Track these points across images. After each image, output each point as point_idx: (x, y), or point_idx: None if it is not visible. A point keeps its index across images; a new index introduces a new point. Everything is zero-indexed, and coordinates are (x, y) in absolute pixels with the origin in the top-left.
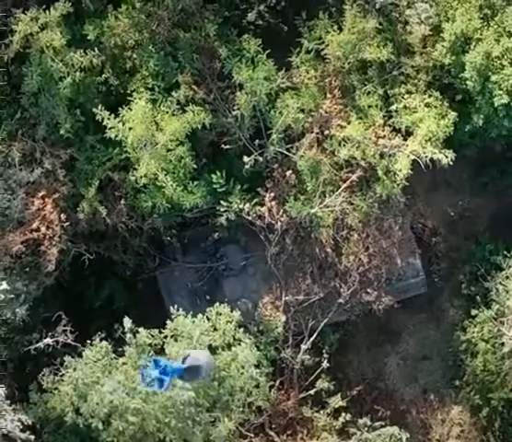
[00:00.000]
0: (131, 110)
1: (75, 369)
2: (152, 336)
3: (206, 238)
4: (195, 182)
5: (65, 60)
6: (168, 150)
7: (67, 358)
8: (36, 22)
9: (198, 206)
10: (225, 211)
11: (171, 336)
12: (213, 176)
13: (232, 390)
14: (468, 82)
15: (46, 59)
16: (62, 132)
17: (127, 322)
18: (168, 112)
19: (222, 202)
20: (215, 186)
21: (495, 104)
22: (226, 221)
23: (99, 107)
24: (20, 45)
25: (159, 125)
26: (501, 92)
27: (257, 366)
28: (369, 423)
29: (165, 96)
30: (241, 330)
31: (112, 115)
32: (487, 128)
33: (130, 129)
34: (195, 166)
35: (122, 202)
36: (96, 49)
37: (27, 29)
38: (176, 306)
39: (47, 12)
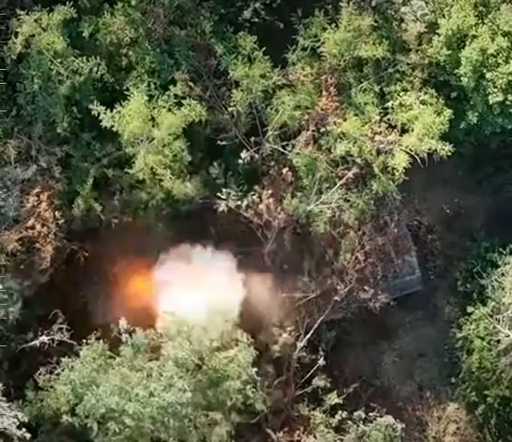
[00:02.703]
0: (128, 105)
1: (71, 368)
2: (148, 336)
3: (202, 235)
4: (191, 177)
5: (65, 63)
6: (165, 145)
7: (64, 359)
8: (39, 24)
9: (194, 200)
10: (223, 199)
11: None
12: (210, 168)
13: (230, 390)
14: (463, 78)
15: (45, 61)
16: (59, 130)
17: (123, 322)
18: (164, 107)
19: (223, 190)
20: (212, 177)
21: (490, 101)
22: (227, 207)
23: (95, 102)
24: (22, 46)
25: (156, 120)
26: (496, 90)
27: (254, 365)
28: (364, 415)
29: (161, 92)
30: (239, 331)
31: (108, 110)
32: (482, 125)
33: (126, 124)
34: (190, 159)
35: (117, 197)
36: (92, 47)
37: (30, 30)
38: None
39: (50, 15)
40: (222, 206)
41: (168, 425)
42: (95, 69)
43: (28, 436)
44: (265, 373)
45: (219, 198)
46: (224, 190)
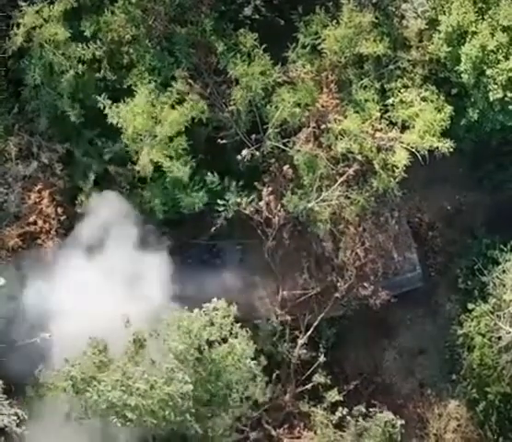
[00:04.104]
0: (132, 101)
1: (72, 365)
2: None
3: (203, 234)
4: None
5: (67, 53)
6: (167, 142)
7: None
8: (40, 15)
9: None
10: (223, 210)
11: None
12: (207, 177)
13: (229, 384)
14: (463, 75)
15: (47, 53)
16: (73, 118)
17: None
18: (167, 103)
19: (219, 200)
20: (211, 186)
21: (491, 98)
22: (225, 220)
23: (103, 95)
24: (24, 38)
25: (158, 117)
26: (496, 86)
27: (253, 359)
28: (364, 410)
29: (162, 90)
30: (238, 324)
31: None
32: (482, 122)
33: (131, 121)
34: (193, 164)
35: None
36: (96, 42)
37: (32, 21)
38: None
39: (51, 6)
40: (221, 219)
41: (169, 419)
42: (97, 54)
43: (26, 433)
44: (265, 368)
45: (218, 205)
46: (219, 201)
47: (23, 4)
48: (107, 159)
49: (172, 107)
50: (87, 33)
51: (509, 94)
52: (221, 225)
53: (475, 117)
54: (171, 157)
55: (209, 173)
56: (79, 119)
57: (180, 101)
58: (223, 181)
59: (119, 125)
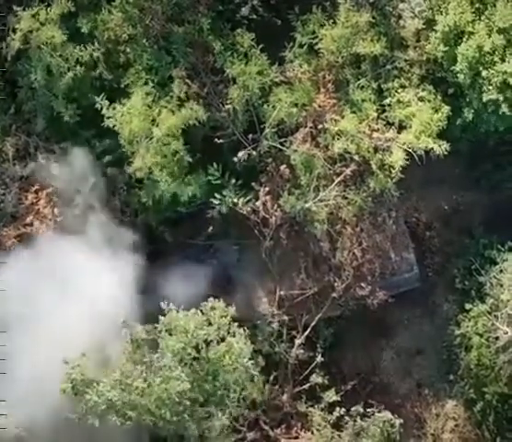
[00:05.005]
0: (129, 102)
1: (72, 367)
2: (147, 331)
3: (200, 234)
4: (191, 176)
5: (65, 55)
6: (164, 144)
7: None
8: (37, 19)
9: (196, 197)
10: (219, 204)
11: (166, 330)
12: (208, 167)
13: (227, 384)
14: (459, 75)
15: (45, 55)
16: (66, 118)
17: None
18: (166, 107)
19: (216, 194)
20: (209, 178)
21: (483, 99)
22: (219, 214)
23: (101, 95)
24: (21, 43)
25: (156, 120)
26: (490, 87)
27: (251, 359)
28: (362, 410)
29: (159, 90)
30: (236, 324)
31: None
32: (477, 122)
33: (127, 123)
34: (190, 159)
35: (117, 197)
36: (93, 43)
37: (29, 25)
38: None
39: (48, 9)
40: (215, 212)
41: (166, 418)
42: (95, 55)
43: (24, 434)
44: (262, 369)
45: (215, 198)
46: (217, 195)
47: (18, 8)
48: (105, 162)
49: (172, 112)
50: (84, 29)
51: (500, 98)
52: (217, 223)
53: (470, 117)
54: (163, 167)
55: (214, 164)
56: (73, 119)
57: (180, 106)
58: (223, 177)
59: (115, 128)
